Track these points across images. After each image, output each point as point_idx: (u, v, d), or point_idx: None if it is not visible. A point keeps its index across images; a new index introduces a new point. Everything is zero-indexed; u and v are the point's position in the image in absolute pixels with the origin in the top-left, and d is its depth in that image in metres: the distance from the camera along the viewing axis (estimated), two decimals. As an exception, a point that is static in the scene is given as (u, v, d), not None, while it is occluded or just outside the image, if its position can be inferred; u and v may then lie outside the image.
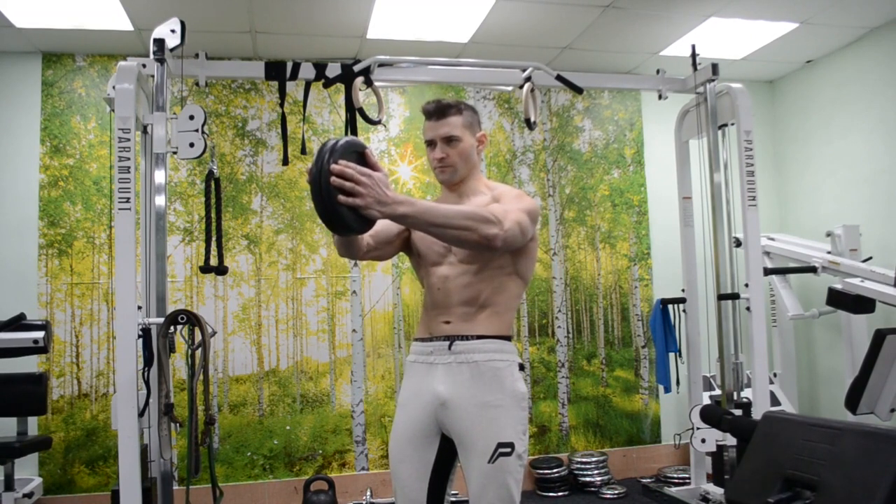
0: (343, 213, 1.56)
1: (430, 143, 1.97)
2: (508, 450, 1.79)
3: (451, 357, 1.86)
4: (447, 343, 1.87)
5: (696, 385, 3.65)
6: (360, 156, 1.63)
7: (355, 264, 4.30)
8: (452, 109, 1.95)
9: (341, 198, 1.53)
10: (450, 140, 1.93)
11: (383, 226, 1.95)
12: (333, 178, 1.53)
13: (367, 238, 1.94)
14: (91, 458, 3.87)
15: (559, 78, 3.14)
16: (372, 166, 1.61)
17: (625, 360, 4.67)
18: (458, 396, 1.83)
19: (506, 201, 1.87)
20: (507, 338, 1.92)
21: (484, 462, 1.78)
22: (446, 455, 1.90)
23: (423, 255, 1.98)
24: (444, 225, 1.66)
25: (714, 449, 3.22)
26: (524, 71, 3.16)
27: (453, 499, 1.90)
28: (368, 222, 1.64)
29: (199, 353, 2.45)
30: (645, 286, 4.75)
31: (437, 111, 1.95)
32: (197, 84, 2.93)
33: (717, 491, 3.48)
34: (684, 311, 3.76)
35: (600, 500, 4.08)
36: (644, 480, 4.28)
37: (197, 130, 2.53)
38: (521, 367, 1.93)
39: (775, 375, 4.33)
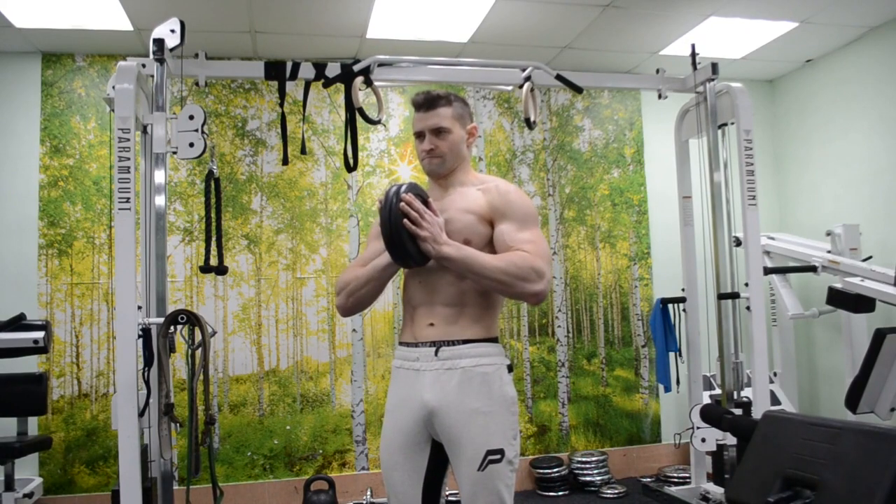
0: (405, 239, 1.75)
1: (419, 135, 1.95)
2: (498, 457, 1.77)
3: (438, 363, 1.83)
4: (433, 349, 1.83)
5: (696, 384, 3.65)
6: (424, 201, 1.82)
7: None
8: (442, 100, 1.92)
9: (406, 222, 1.73)
10: (439, 131, 1.92)
11: (372, 254, 1.97)
12: (402, 205, 1.74)
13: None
14: (91, 458, 3.87)
15: (559, 77, 3.14)
16: (433, 212, 1.79)
17: (625, 359, 4.67)
18: (447, 403, 1.80)
19: (518, 223, 1.83)
20: (494, 339, 1.89)
21: (474, 469, 1.76)
22: (438, 460, 1.88)
23: None
24: (481, 275, 1.76)
25: (714, 448, 3.22)
26: (524, 70, 3.15)
27: (452, 498, 1.89)
28: (424, 257, 1.79)
29: (199, 353, 2.45)
30: (645, 285, 4.75)
31: (426, 102, 1.93)
32: (197, 84, 2.93)
33: (717, 490, 3.48)
34: (684, 310, 3.76)
35: (600, 500, 4.08)
36: (644, 480, 4.28)
37: (197, 130, 2.52)
38: (510, 369, 1.90)
39: (775, 374, 4.33)
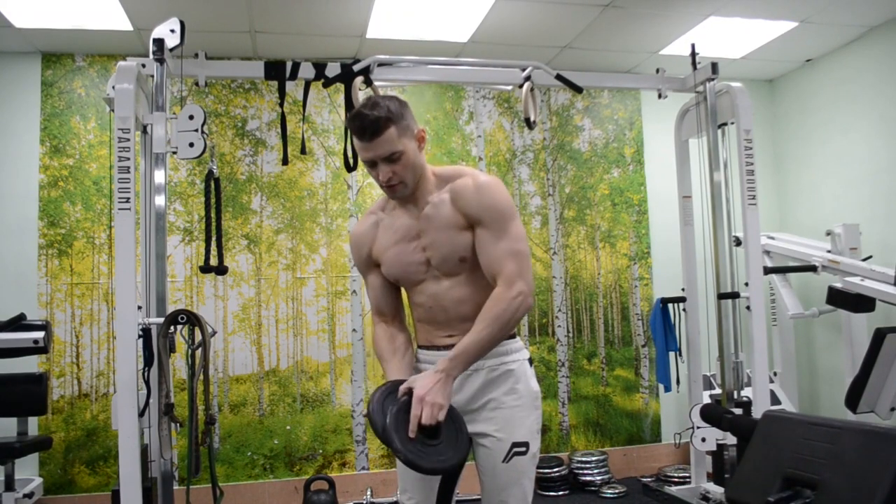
0: (431, 449, 1.61)
1: (370, 163, 1.78)
2: (523, 449, 1.80)
3: None
4: None
5: (696, 384, 3.65)
6: (391, 392, 1.66)
7: (355, 264, 4.30)
8: (383, 121, 1.71)
9: (430, 421, 1.61)
10: (391, 157, 1.74)
11: (379, 289, 1.97)
12: (416, 427, 1.60)
13: (391, 307, 1.96)
14: (91, 458, 3.87)
15: (559, 77, 3.14)
16: (407, 391, 1.65)
17: (625, 359, 4.67)
18: (474, 402, 1.82)
19: (495, 229, 1.75)
20: (512, 336, 1.89)
21: (498, 461, 1.79)
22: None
23: (405, 279, 1.91)
24: (491, 346, 1.73)
25: (714, 448, 3.22)
26: (524, 70, 3.15)
27: (455, 498, 1.89)
28: (462, 441, 1.67)
29: (199, 353, 2.46)
30: (645, 285, 4.75)
31: (369, 130, 1.71)
32: (196, 84, 2.93)
33: (717, 490, 3.48)
34: (684, 310, 3.76)
35: (600, 500, 4.08)
36: (644, 479, 4.28)
37: (196, 130, 2.53)
38: (531, 362, 1.91)
39: (775, 374, 4.33)
